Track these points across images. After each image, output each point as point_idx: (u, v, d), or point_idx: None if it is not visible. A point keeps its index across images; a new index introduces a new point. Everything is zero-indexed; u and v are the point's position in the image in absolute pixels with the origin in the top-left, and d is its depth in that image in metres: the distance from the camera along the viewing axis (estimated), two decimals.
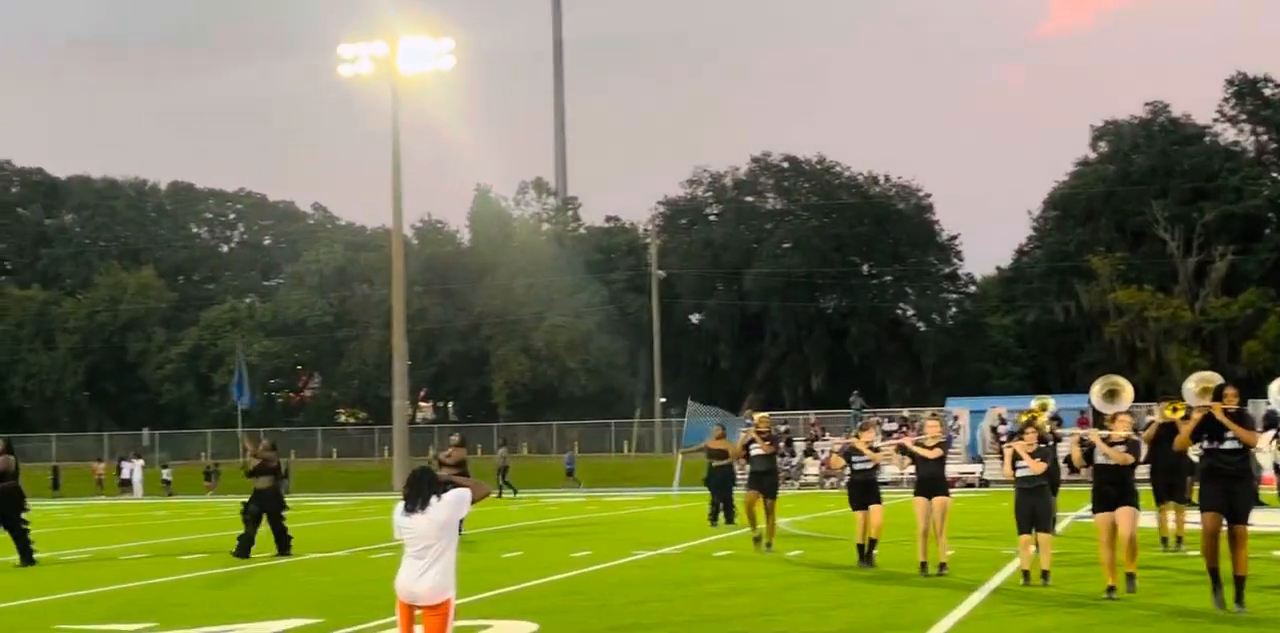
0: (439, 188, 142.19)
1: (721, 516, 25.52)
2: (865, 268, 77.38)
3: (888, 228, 75.88)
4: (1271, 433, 22.90)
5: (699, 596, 14.16)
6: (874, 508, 16.50)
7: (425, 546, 7.69)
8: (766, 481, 19.70)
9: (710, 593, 14.39)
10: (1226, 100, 73.01)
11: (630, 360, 72.18)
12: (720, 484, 25.61)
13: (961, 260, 78.14)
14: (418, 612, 7.82)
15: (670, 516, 29.76)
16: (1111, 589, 12.89)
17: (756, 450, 19.88)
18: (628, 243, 79.25)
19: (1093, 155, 75.47)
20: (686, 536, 22.78)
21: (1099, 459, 13.10)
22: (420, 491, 7.75)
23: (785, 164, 78.64)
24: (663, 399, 65.65)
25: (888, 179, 77.80)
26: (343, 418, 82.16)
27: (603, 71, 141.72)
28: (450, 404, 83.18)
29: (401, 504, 7.83)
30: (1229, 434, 11.79)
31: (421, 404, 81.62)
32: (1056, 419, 40.40)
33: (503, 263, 74.20)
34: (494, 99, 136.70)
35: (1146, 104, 74.49)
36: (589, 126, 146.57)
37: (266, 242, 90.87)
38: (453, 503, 7.74)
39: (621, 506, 36.04)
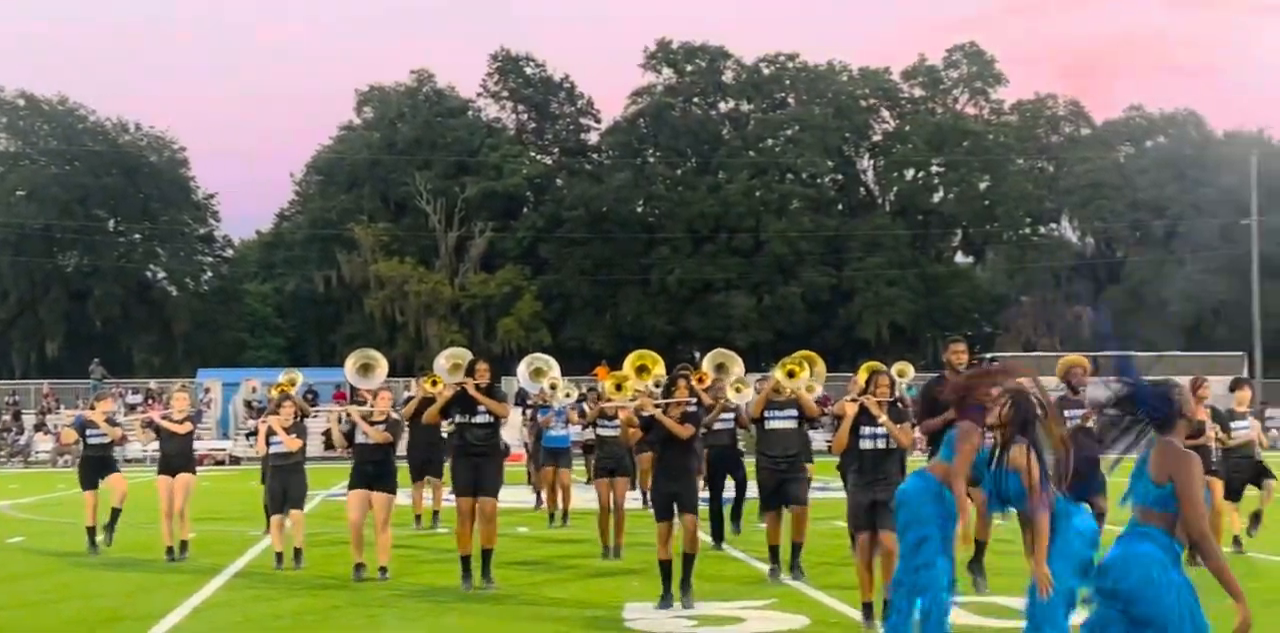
0: None
1: None
2: (112, 224, 74.22)
3: (138, 181, 73.20)
4: (520, 409, 24.53)
5: None
6: (113, 477, 16.15)
7: None
8: None
9: None
10: (490, 75, 77.34)
11: None
12: None
13: (219, 222, 77.16)
14: None
15: None
16: (360, 567, 13.23)
17: None
18: None
19: (357, 120, 77.17)
20: None
21: (359, 439, 13.41)
22: None
23: (21, 101, 73.55)
24: None
25: (139, 128, 75.18)
26: None
27: None
28: None
29: None
30: (481, 409, 12.50)
31: None
32: (313, 394, 40.78)
33: None
34: None
35: (412, 72, 77.21)
36: None
37: None
38: None
39: None
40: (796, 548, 13.00)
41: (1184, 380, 14.87)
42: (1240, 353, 55.74)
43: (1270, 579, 12.69)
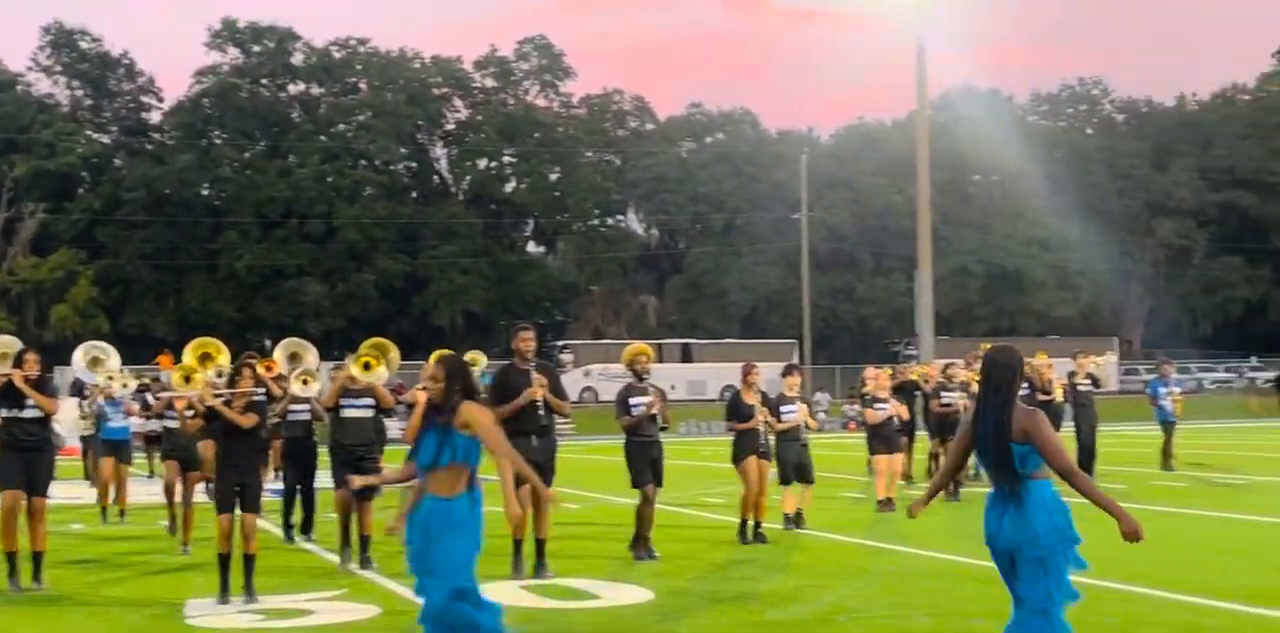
0: None
1: None
2: None
3: None
4: (77, 401, 23.41)
5: None
6: None
7: None
8: None
9: None
10: (41, 49, 73.11)
11: None
12: None
13: None
14: None
15: None
16: None
17: None
18: None
19: None
20: None
21: None
22: None
23: None
24: None
25: None
26: None
27: None
28: None
29: None
30: (29, 403, 11.78)
31: None
32: None
33: None
34: None
35: None
36: None
37: None
38: None
39: None
40: (365, 541, 12.90)
41: (737, 367, 15.72)
42: (791, 340, 59.19)
43: (818, 552, 13.58)
